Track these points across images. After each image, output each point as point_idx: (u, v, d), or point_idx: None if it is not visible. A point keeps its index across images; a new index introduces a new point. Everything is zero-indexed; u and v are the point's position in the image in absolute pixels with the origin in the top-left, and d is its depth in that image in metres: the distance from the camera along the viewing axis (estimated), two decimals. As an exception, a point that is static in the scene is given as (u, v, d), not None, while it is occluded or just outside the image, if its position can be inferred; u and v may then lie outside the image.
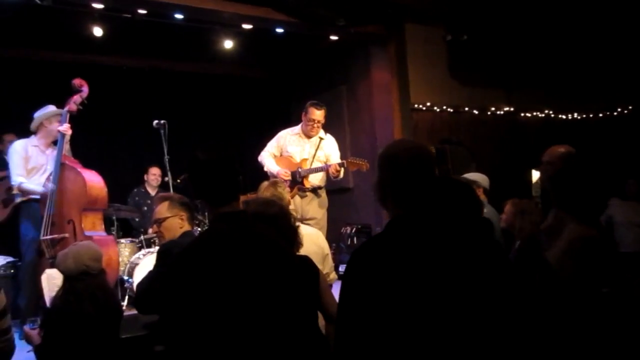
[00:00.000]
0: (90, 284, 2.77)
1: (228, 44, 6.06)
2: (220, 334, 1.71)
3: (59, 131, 4.58)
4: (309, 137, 4.96)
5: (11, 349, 2.54)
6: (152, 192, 6.28)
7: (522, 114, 7.31)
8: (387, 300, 1.47)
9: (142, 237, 5.42)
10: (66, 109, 4.65)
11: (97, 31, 5.43)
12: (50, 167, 4.58)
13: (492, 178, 4.55)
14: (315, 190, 4.91)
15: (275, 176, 4.77)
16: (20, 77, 6.16)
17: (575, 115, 7.70)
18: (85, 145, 6.58)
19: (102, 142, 6.88)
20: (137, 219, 6.10)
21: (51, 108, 4.72)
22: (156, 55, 6.98)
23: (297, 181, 4.84)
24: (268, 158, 5.05)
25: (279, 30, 5.82)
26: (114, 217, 5.53)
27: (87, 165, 4.99)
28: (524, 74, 6.92)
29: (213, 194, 1.91)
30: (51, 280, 3.37)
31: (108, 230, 5.43)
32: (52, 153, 4.66)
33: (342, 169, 4.81)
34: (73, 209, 4.49)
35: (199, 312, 1.72)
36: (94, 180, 4.63)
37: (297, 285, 1.91)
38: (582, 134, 7.09)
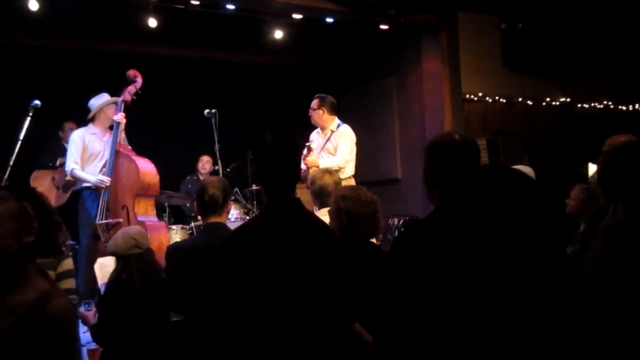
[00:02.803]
0: (140, 260, 2.84)
1: (278, 34, 6.10)
2: (263, 318, 1.74)
3: (114, 120, 4.76)
4: (322, 129, 4.99)
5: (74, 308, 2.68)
6: (202, 179, 6.41)
7: (579, 105, 7.05)
8: (428, 282, 1.51)
9: (192, 224, 5.54)
10: (121, 98, 4.82)
11: (152, 22, 5.55)
12: (107, 154, 4.76)
13: (547, 171, 4.41)
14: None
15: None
16: (78, 68, 6.39)
17: (637, 106, 7.36)
18: (139, 134, 6.77)
19: (155, 131, 7.06)
20: (188, 205, 6.25)
21: (106, 96, 4.90)
22: (208, 45, 7.09)
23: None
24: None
25: (329, 20, 5.80)
26: (166, 204, 5.67)
27: (141, 153, 5.16)
28: (581, 64, 6.66)
29: (273, 180, 1.91)
30: (104, 269, 3.48)
31: (160, 216, 5.60)
32: (109, 139, 4.83)
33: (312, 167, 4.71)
34: (127, 195, 4.66)
35: (245, 293, 1.75)
36: (146, 167, 4.78)
37: (345, 273, 1.91)
38: (644, 126, 6.78)
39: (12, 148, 4.51)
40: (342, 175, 4.83)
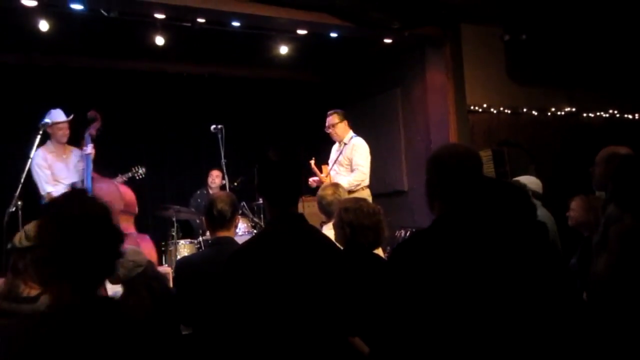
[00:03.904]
0: (144, 277, 2.86)
1: (283, 50, 6.17)
2: (267, 330, 1.77)
3: (85, 154, 5.02)
4: (339, 143, 5.16)
5: None
6: (211, 194, 6.46)
7: (585, 115, 7.06)
8: (425, 292, 1.52)
9: (200, 238, 5.58)
10: (87, 133, 5.10)
11: (159, 40, 5.64)
12: (73, 174, 5.03)
13: (554, 181, 4.41)
14: None
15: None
16: (87, 85, 6.47)
17: (643, 115, 7.36)
18: (148, 150, 6.87)
19: (163, 147, 7.14)
20: (197, 221, 6.30)
21: (59, 112, 5.00)
22: (215, 61, 7.18)
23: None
24: None
25: (334, 34, 5.86)
26: (174, 219, 5.71)
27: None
28: (586, 73, 6.68)
29: (277, 195, 1.96)
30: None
31: (169, 231, 5.68)
32: (68, 157, 5.07)
33: (325, 178, 4.92)
34: None
35: (250, 306, 1.78)
36: (125, 188, 5.21)
37: (347, 287, 1.94)
38: (651, 135, 6.77)
39: (23, 166, 4.59)
40: (352, 188, 4.90)
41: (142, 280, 2.86)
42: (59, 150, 5.04)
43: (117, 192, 5.09)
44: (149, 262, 2.98)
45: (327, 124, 5.09)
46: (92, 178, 5.01)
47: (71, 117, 5.04)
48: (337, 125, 5.05)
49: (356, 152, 4.96)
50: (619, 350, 2.09)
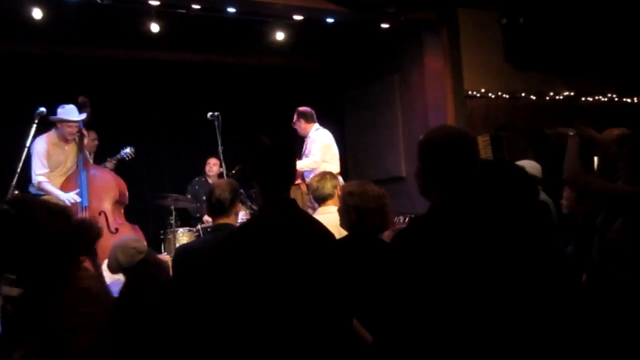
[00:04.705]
0: (146, 265, 2.85)
1: (280, 36, 6.12)
2: (259, 317, 1.76)
3: (81, 134, 5.00)
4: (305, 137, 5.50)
5: None
6: (211, 182, 6.45)
7: (583, 99, 7.03)
8: (427, 280, 1.49)
9: (199, 226, 5.58)
10: (80, 118, 5.02)
11: (154, 27, 5.59)
12: (69, 163, 4.98)
13: (552, 166, 4.39)
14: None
15: None
16: (83, 74, 6.42)
17: (642, 98, 7.33)
18: (144, 138, 6.84)
19: (160, 135, 7.11)
20: (195, 208, 6.30)
21: (68, 109, 4.91)
22: (211, 49, 7.12)
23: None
24: None
25: (330, 20, 5.82)
26: (172, 207, 5.70)
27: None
28: (584, 57, 6.63)
29: (269, 181, 1.94)
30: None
31: (167, 219, 5.67)
32: (70, 146, 5.00)
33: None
34: (104, 202, 4.97)
35: (242, 293, 1.77)
36: (117, 177, 5.21)
37: (340, 271, 1.93)
38: (650, 118, 6.75)
39: (19, 155, 4.57)
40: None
41: (145, 267, 2.86)
42: (62, 142, 4.97)
43: (112, 180, 5.09)
44: (150, 250, 2.99)
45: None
46: (86, 165, 4.98)
47: (83, 116, 4.96)
48: (294, 123, 5.42)
49: (313, 143, 5.30)
50: (622, 329, 2.09)
